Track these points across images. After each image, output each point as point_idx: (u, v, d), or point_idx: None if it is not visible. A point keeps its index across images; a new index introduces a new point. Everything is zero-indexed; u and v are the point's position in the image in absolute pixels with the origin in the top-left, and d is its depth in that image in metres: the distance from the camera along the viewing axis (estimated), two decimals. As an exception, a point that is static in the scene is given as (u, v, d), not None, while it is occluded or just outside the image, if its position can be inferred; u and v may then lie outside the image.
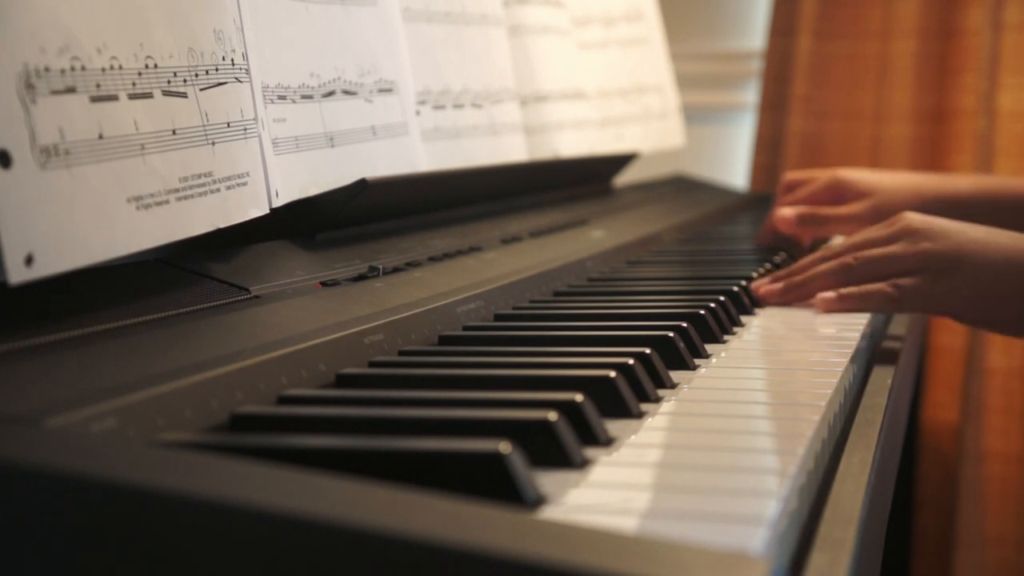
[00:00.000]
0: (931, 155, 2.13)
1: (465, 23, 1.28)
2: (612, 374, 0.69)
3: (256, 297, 0.80)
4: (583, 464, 0.58)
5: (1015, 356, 1.99)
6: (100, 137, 0.66)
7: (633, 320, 0.92)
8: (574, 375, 0.70)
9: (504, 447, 0.51)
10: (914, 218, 1.05)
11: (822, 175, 1.43)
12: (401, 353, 0.80)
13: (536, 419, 0.58)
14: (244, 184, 0.82)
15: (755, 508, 0.51)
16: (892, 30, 2.13)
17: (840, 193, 1.39)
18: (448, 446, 0.53)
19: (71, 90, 0.64)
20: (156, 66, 0.73)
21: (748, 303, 1.07)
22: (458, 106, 1.23)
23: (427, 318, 0.86)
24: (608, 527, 0.44)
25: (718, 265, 1.29)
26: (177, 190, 0.73)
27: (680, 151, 2.03)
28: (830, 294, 1.05)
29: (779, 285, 1.09)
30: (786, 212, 1.37)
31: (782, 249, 1.37)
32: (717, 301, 0.97)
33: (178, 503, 0.44)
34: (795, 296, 1.08)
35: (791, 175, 1.50)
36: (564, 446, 0.57)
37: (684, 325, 0.86)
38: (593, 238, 1.32)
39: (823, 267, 1.07)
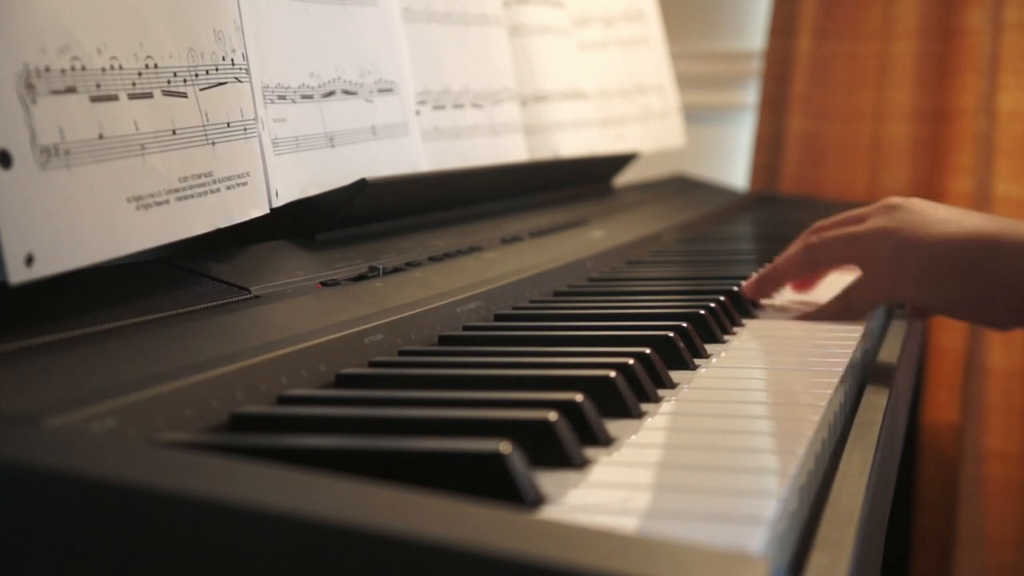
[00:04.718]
0: (931, 155, 2.14)
1: (465, 23, 1.28)
2: (612, 374, 0.69)
3: (256, 297, 0.80)
4: (583, 464, 0.58)
5: (1015, 356, 1.99)
6: (100, 137, 0.66)
7: (633, 320, 0.92)
8: (574, 375, 0.70)
9: (504, 447, 0.51)
10: (894, 199, 1.04)
11: None
12: (401, 353, 0.80)
13: (536, 419, 0.58)
14: (244, 184, 0.82)
15: (755, 508, 0.51)
16: (892, 30, 2.13)
17: None
18: (448, 446, 0.53)
19: (71, 90, 0.64)
20: (156, 66, 0.73)
21: (748, 303, 1.07)
22: (458, 106, 1.23)
23: (427, 318, 0.86)
24: (608, 527, 0.44)
25: (718, 265, 1.29)
26: (177, 190, 0.73)
27: (680, 151, 2.03)
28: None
29: (752, 280, 1.09)
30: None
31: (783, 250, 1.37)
32: (717, 301, 0.97)
33: (178, 503, 0.44)
34: (767, 288, 1.08)
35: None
36: (564, 446, 0.57)
37: (684, 325, 0.86)
38: (593, 238, 1.32)
39: (786, 253, 1.07)
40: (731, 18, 2.45)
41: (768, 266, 1.09)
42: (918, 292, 1.01)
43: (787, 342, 0.97)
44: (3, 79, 0.59)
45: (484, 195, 1.29)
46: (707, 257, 1.38)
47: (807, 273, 1.09)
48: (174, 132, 0.73)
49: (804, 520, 0.59)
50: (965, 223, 0.99)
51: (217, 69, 0.80)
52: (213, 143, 0.78)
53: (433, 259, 1.02)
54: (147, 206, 0.69)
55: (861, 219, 1.04)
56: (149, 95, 0.72)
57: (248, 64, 0.85)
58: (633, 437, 0.63)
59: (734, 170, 2.41)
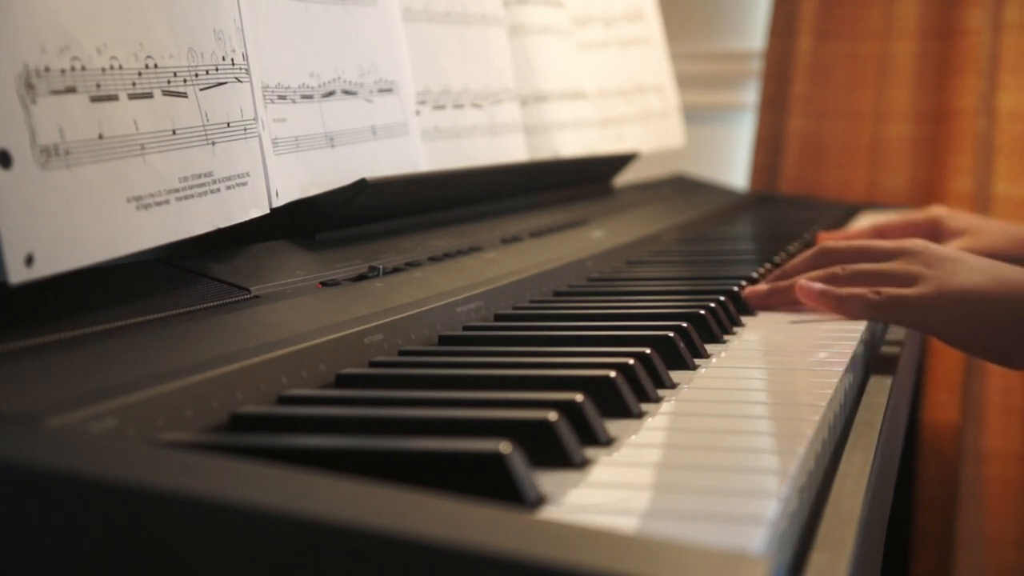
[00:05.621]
0: (931, 155, 2.14)
1: (465, 23, 1.28)
2: (612, 374, 0.69)
3: (256, 297, 0.80)
4: (583, 464, 0.58)
5: (1015, 356, 1.99)
6: (100, 137, 0.66)
7: (633, 320, 0.92)
8: (574, 375, 0.70)
9: (504, 447, 0.51)
10: (920, 243, 1.03)
11: (919, 215, 1.41)
12: (401, 353, 0.80)
13: (536, 419, 0.58)
14: (244, 184, 0.82)
15: (755, 508, 0.51)
16: (892, 30, 2.13)
17: (936, 231, 1.37)
18: (448, 446, 0.53)
19: (71, 90, 0.64)
20: (156, 66, 0.73)
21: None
22: (458, 106, 1.23)
23: (427, 318, 0.86)
24: (608, 527, 0.44)
25: (718, 265, 1.29)
26: (177, 190, 0.73)
27: (680, 151, 2.03)
28: (813, 285, 1.02)
29: (764, 287, 1.07)
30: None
31: (783, 250, 1.37)
32: (717, 301, 0.97)
33: (178, 503, 0.44)
34: (778, 300, 1.05)
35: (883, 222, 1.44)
36: (564, 446, 0.57)
37: (684, 325, 0.86)
38: (593, 238, 1.32)
39: (811, 275, 1.05)
40: (731, 18, 2.45)
41: (781, 281, 1.07)
42: (960, 337, 1.01)
43: (787, 342, 0.97)
44: (3, 79, 0.59)
45: (484, 195, 1.29)
46: (707, 257, 1.38)
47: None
48: (174, 132, 0.73)
49: (804, 520, 0.59)
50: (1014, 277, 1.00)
51: (217, 69, 0.80)
52: (213, 143, 0.78)
53: (433, 259, 1.02)
54: (147, 206, 0.69)
55: (884, 255, 1.03)
56: (149, 95, 0.72)
57: (248, 64, 0.85)
58: (633, 437, 0.63)
59: (734, 170, 2.41)
